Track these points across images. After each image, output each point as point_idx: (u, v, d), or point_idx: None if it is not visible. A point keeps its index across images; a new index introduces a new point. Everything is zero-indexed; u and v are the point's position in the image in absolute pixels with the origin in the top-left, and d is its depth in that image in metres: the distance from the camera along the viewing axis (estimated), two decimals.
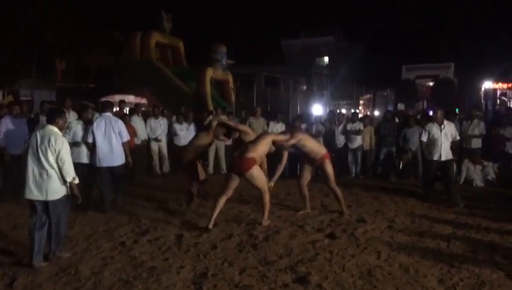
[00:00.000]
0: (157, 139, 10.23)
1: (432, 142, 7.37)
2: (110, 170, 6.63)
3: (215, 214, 5.66)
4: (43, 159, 4.41)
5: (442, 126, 7.38)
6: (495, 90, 19.94)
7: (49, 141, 4.41)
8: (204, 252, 4.84)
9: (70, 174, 4.48)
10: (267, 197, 5.82)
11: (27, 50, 20.65)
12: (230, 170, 5.85)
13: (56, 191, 4.46)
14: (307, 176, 6.69)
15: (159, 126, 10.30)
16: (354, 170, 10.46)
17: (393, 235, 5.53)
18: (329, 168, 6.45)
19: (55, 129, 4.55)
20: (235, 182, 5.74)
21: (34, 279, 4.14)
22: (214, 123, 6.64)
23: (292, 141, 6.24)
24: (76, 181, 4.54)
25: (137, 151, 10.00)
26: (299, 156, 6.95)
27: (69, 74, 25.94)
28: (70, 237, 5.36)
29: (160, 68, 17.87)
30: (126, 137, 6.78)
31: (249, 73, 26.32)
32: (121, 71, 18.99)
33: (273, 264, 4.47)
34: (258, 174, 5.70)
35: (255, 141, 5.87)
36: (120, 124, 6.78)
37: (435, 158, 7.34)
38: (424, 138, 7.43)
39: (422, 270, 4.32)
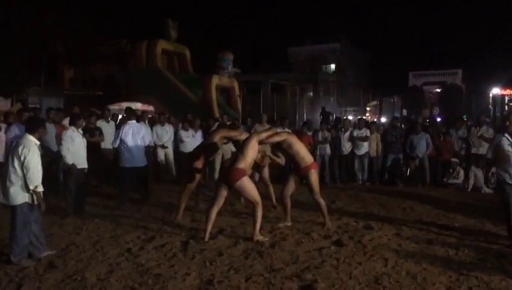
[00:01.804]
0: (163, 146, 10.27)
1: (503, 160, 5.47)
2: (134, 170, 7.46)
3: (209, 226, 5.52)
4: (10, 165, 4.59)
5: None
6: (503, 96, 19.83)
7: (18, 148, 4.58)
8: (210, 259, 4.83)
9: (33, 182, 4.55)
10: (259, 211, 5.49)
11: (35, 59, 20.88)
12: (220, 180, 5.65)
13: (15, 197, 4.58)
14: (291, 185, 6.33)
15: (165, 133, 10.34)
16: (360, 177, 10.42)
17: (401, 242, 5.49)
18: (314, 178, 6.08)
19: (31, 138, 4.67)
20: (225, 192, 5.56)
21: (40, 285, 4.15)
22: (217, 137, 6.50)
23: (276, 138, 5.95)
24: (39, 189, 4.62)
25: None
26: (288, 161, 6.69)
27: (77, 82, 26.13)
28: (76, 243, 5.40)
29: (167, 76, 17.99)
30: (148, 141, 7.93)
31: (256, 80, 26.41)
32: (128, 79, 19.13)
33: (280, 272, 4.45)
34: (247, 185, 5.46)
35: (242, 150, 5.61)
36: (143, 130, 7.83)
37: (509, 181, 5.41)
38: (490, 154, 5.70)
39: (430, 278, 4.28)
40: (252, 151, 5.62)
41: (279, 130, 10.61)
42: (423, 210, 7.43)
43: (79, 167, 6.68)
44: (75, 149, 6.63)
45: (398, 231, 6.04)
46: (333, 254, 5.02)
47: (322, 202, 6.19)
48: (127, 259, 4.85)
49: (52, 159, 8.09)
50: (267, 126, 10.72)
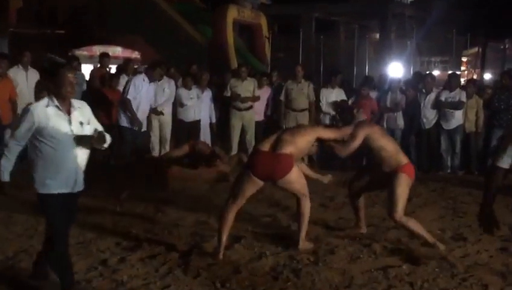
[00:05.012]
0: (157, 112, 10.33)
1: None
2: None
3: (224, 233, 5.54)
4: None
5: None
6: None
7: None
8: (222, 277, 4.90)
9: None
10: (307, 206, 5.67)
11: None
12: (251, 170, 5.59)
13: None
14: (364, 181, 6.29)
15: (162, 92, 10.37)
16: (449, 163, 10.34)
17: (509, 261, 5.47)
18: (402, 187, 5.77)
19: None
20: (254, 187, 5.60)
21: None
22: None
23: (355, 143, 5.82)
24: None
25: None
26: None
27: (28, 16, 26.39)
28: (28, 250, 5.55)
29: (160, 7, 17.99)
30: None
31: (293, 14, 26.11)
32: (102, 12, 19.21)
33: None
34: (296, 177, 5.59)
35: (294, 132, 5.74)
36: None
37: None
38: None
39: None
40: (306, 144, 5.69)
41: (324, 91, 10.64)
42: None
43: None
44: None
45: (504, 244, 6.00)
46: (405, 275, 5.02)
47: (408, 221, 5.79)
48: (102, 275, 4.97)
49: None
50: (304, 84, 10.70)
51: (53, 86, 4.30)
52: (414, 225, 5.79)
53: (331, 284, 4.81)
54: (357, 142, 5.85)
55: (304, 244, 5.68)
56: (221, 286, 4.75)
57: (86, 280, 4.84)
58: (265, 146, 5.59)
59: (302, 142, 5.63)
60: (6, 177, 4.32)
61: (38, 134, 4.21)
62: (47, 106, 4.26)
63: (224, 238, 5.54)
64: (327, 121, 10.65)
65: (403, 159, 5.97)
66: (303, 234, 5.69)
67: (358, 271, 5.12)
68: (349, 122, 6.19)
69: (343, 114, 6.23)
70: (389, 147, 5.95)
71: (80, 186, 4.47)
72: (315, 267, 5.18)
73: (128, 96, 9.13)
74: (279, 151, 5.47)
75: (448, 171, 10.31)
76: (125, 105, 9.18)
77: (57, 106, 4.27)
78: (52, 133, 4.21)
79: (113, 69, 12.15)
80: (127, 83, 9.43)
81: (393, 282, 4.88)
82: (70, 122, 4.30)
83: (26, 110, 4.31)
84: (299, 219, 5.73)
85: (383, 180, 5.94)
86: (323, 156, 9.68)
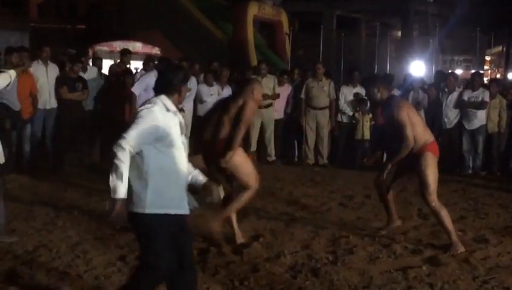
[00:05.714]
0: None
1: None
2: None
3: (234, 224, 5.82)
4: None
5: None
6: None
7: None
8: (240, 276, 4.91)
9: None
10: (247, 196, 5.71)
11: None
12: (207, 164, 5.85)
13: None
14: (397, 169, 6.22)
15: None
16: (471, 164, 10.28)
17: None
18: (431, 167, 5.82)
19: None
20: (219, 175, 5.84)
21: None
22: None
23: (409, 128, 5.67)
24: None
25: None
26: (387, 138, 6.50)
27: (49, 11, 26.60)
28: (47, 245, 5.61)
29: (180, 2, 18.04)
30: None
31: (314, 11, 26.06)
32: (121, 7, 19.29)
33: None
34: (241, 161, 5.68)
35: (223, 113, 5.74)
36: None
37: None
38: None
39: None
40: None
41: (345, 89, 10.63)
42: None
43: None
44: None
45: None
46: (425, 276, 5.01)
47: (440, 207, 5.85)
48: (120, 270, 5.00)
49: (12, 125, 8.37)
50: (325, 82, 10.69)
51: (183, 90, 3.79)
52: (445, 216, 5.82)
53: (350, 284, 4.80)
54: (410, 127, 5.73)
55: (216, 225, 5.69)
56: (240, 284, 4.75)
57: (104, 276, 4.88)
58: (207, 135, 5.75)
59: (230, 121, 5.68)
60: (122, 192, 3.54)
61: (158, 142, 3.56)
62: (168, 110, 3.67)
63: (235, 227, 5.82)
64: (344, 120, 10.69)
65: (429, 137, 6.01)
66: (225, 214, 5.71)
67: (378, 271, 5.10)
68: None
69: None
70: (419, 125, 5.95)
71: (186, 207, 3.77)
72: (334, 267, 5.18)
73: (137, 92, 8.78)
74: (219, 137, 5.60)
75: (470, 172, 10.24)
76: (130, 101, 8.95)
77: (175, 112, 3.71)
78: (173, 143, 3.62)
79: (133, 64, 12.18)
80: (138, 79, 9.21)
81: (413, 283, 4.86)
82: (182, 131, 3.77)
83: (148, 111, 3.59)
84: (232, 201, 5.73)
85: (409, 162, 5.93)
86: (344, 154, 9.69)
